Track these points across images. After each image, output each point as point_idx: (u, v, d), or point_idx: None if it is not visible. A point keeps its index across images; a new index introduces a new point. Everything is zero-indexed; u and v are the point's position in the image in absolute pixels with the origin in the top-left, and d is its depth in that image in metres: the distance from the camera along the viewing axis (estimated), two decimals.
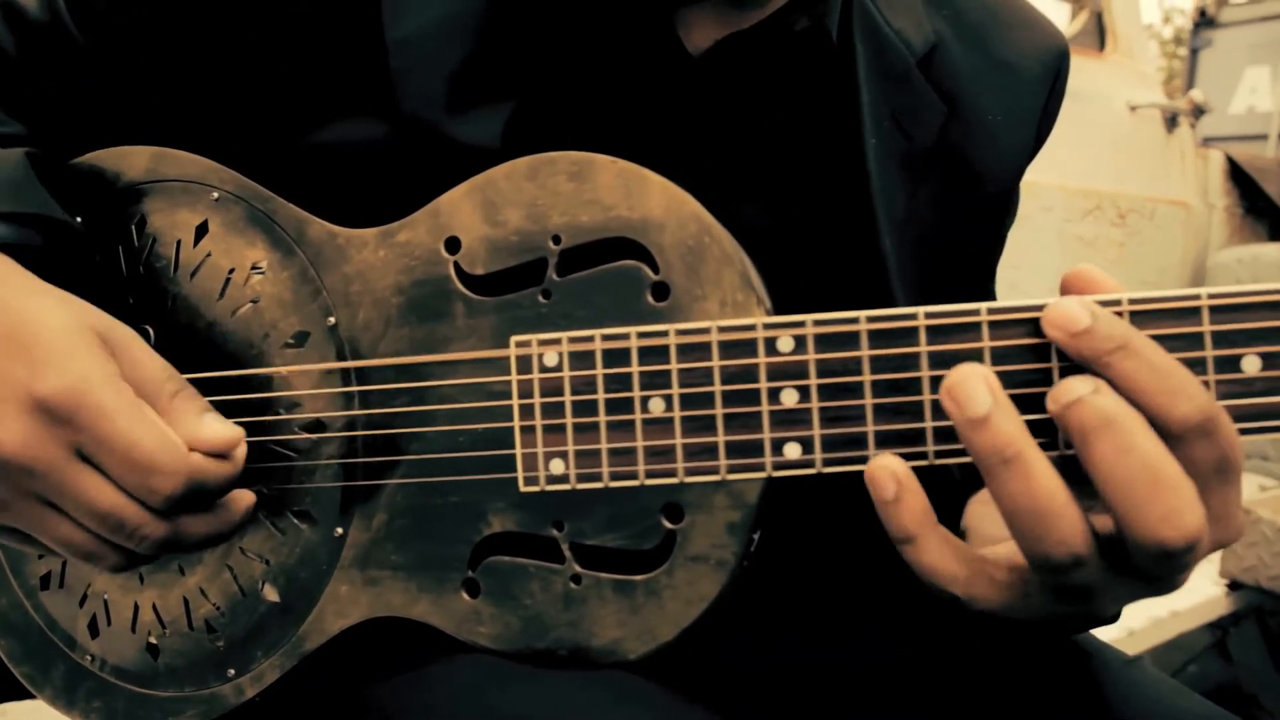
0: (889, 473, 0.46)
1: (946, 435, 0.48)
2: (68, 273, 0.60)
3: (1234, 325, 0.45)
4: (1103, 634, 0.68)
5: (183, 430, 0.56)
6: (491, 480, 0.56)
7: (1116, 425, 0.43)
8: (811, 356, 0.50)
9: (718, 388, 0.51)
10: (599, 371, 0.53)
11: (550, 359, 0.54)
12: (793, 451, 0.50)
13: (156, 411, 0.57)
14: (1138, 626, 2.02)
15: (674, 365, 0.52)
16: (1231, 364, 0.45)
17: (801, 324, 0.50)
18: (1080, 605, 0.48)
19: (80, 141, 0.67)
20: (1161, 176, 3.24)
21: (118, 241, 0.65)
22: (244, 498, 0.59)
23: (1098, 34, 3.16)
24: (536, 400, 0.54)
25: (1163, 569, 0.45)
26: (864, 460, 0.49)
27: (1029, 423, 0.45)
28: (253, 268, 0.62)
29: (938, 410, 0.48)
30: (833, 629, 0.71)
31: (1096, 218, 2.97)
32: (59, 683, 0.68)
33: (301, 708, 0.63)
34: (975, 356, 0.47)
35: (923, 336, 0.48)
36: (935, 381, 0.48)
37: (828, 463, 0.50)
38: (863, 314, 0.49)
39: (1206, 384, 0.45)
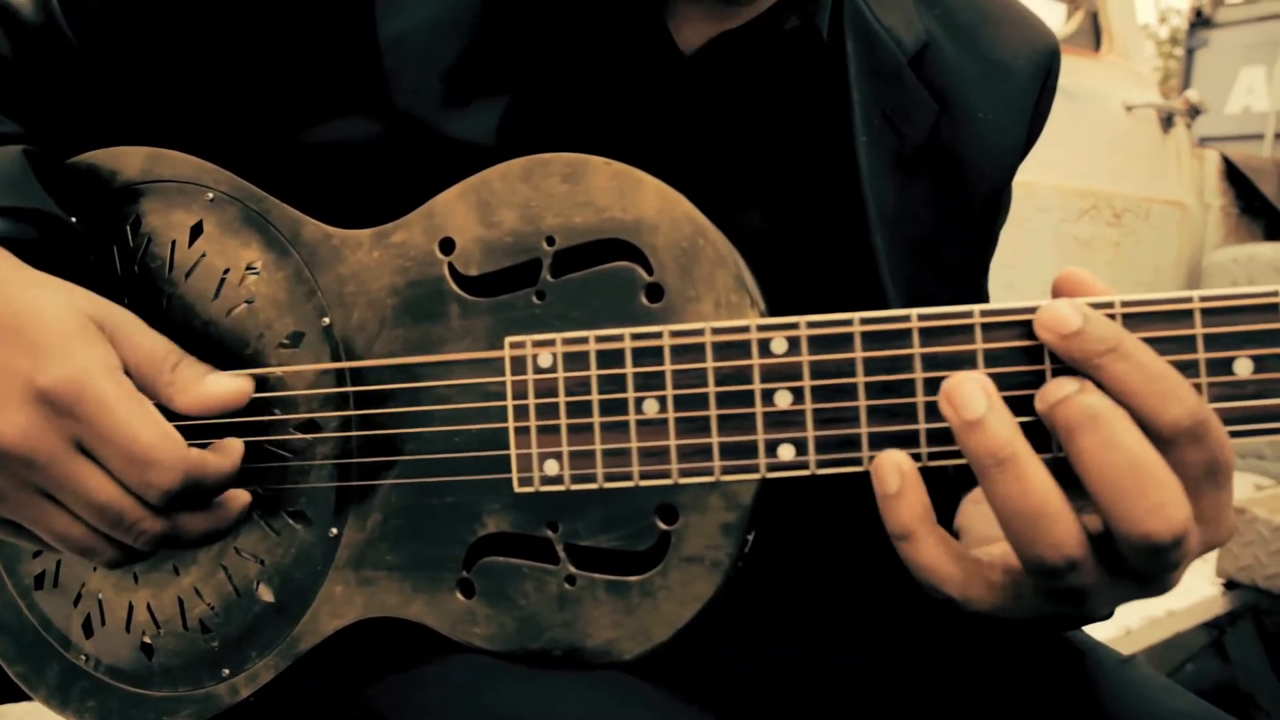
0: (894, 466, 0.47)
1: (940, 437, 0.48)
2: (63, 268, 0.60)
3: (1226, 328, 0.45)
4: (1099, 634, 0.69)
5: (191, 393, 0.57)
6: (486, 481, 0.56)
7: (1101, 421, 0.43)
8: (805, 358, 0.50)
9: (712, 389, 0.51)
10: (593, 372, 0.53)
11: (545, 360, 0.54)
12: (786, 453, 0.50)
13: (162, 383, 0.57)
14: (1135, 626, 2.03)
15: (668, 366, 0.52)
16: (1223, 366, 0.46)
17: (795, 325, 0.50)
18: (1073, 607, 0.48)
19: (76, 142, 0.67)
20: (1157, 176, 3.25)
21: (112, 242, 0.65)
22: (240, 496, 0.59)
23: (1093, 34, 3.16)
24: (531, 401, 0.54)
25: (1152, 566, 0.45)
26: (858, 462, 0.50)
27: (1023, 425, 0.45)
28: (247, 268, 0.62)
29: (931, 412, 0.48)
30: (827, 629, 0.71)
31: (1092, 218, 2.97)
32: (53, 682, 0.68)
33: (296, 708, 0.63)
34: (968, 358, 0.48)
35: (916, 338, 0.48)
36: (929, 383, 0.48)
37: (821, 464, 0.50)
38: (856, 316, 0.49)
39: (1198, 386, 0.45)
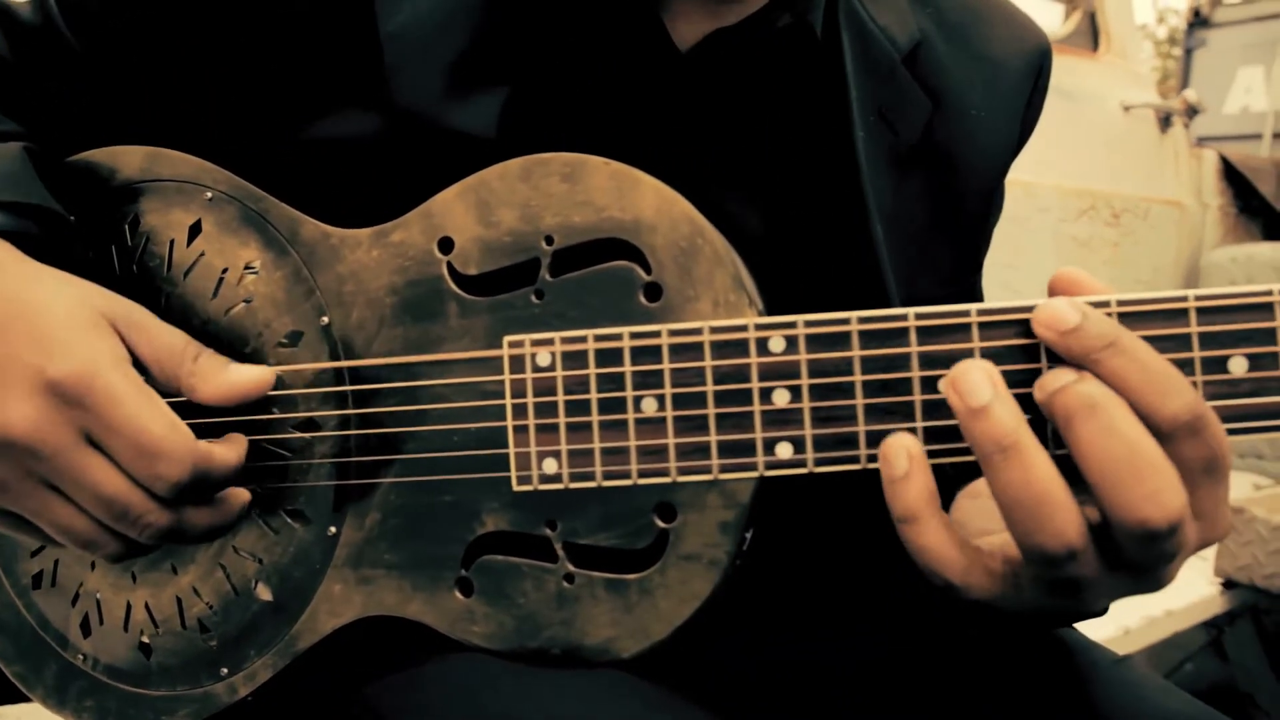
0: (903, 449, 0.47)
1: (937, 435, 0.49)
2: (63, 265, 0.60)
3: (1221, 326, 0.46)
4: (1097, 633, 0.69)
5: (214, 382, 0.57)
6: (485, 479, 0.57)
7: (1099, 408, 0.44)
8: (803, 356, 0.50)
9: (710, 387, 0.51)
10: (592, 371, 0.53)
11: (543, 359, 0.54)
12: (784, 451, 0.51)
13: (184, 374, 0.58)
14: (1133, 625, 2.03)
15: (666, 365, 0.52)
16: (1219, 365, 0.46)
17: (793, 324, 0.50)
18: (1071, 599, 0.48)
19: (74, 142, 0.67)
20: (1156, 176, 3.25)
21: (111, 240, 0.65)
22: (241, 493, 0.60)
23: (1091, 34, 3.17)
24: (530, 400, 0.54)
25: (1149, 555, 0.45)
26: (855, 460, 0.50)
27: None
28: (246, 267, 0.63)
29: (928, 410, 0.49)
30: (825, 628, 0.71)
31: (1091, 218, 2.98)
32: (51, 682, 0.68)
33: (295, 707, 0.63)
34: (965, 357, 0.48)
35: (913, 337, 0.49)
36: (926, 382, 0.49)
37: (819, 462, 0.50)
38: (854, 315, 0.49)
39: (1194, 384, 0.46)
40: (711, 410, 0.51)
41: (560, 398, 0.54)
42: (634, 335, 0.52)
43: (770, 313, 0.54)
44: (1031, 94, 0.76)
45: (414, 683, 0.56)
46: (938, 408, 0.48)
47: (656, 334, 0.52)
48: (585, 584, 0.55)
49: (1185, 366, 0.45)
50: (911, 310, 0.49)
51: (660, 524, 0.54)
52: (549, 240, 0.56)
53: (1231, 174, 3.63)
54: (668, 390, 0.52)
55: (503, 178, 0.56)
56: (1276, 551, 2.16)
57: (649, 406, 0.52)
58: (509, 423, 0.55)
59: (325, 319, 0.61)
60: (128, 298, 0.60)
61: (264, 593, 0.62)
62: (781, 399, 0.50)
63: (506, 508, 0.56)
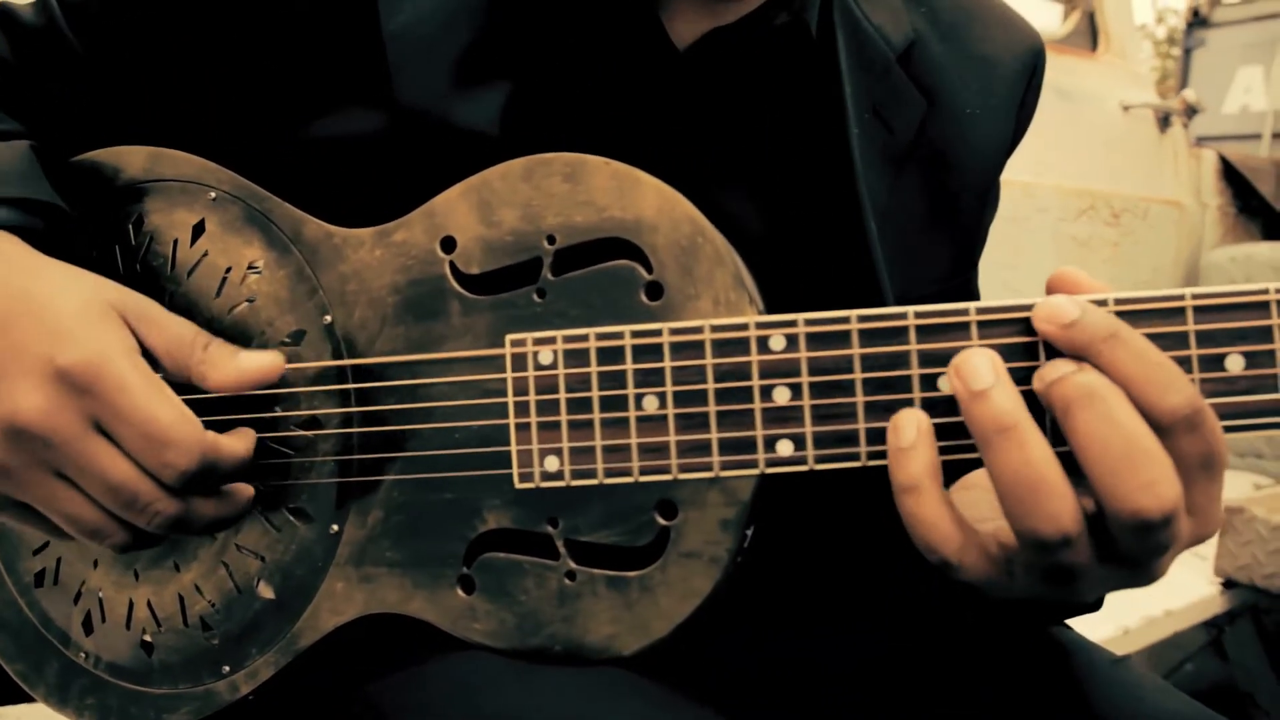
0: (914, 420, 0.48)
1: (937, 432, 0.49)
2: (69, 260, 0.60)
3: (1217, 324, 0.46)
4: (1096, 633, 0.69)
5: (225, 369, 0.58)
6: (487, 477, 0.57)
7: (1097, 397, 0.44)
8: (803, 354, 0.50)
9: (711, 385, 0.52)
10: (593, 369, 0.53)
11: (545, 357, 0.54)
12: (785, 448, 0.51)
13: (195, 362, 0.58)
14: (1133, 626, 2.03)
15: (667, 363, 0.52)
16: (1215, 363, 0.46)
17: (793, 323, 0.50)
18: (1062, 588, 0.48)
19: (78, 143, 0.67)
20: (1155, 176, 3.25)
21: (115, 240, 0.66)
22: (247, 488, 0.60)
23: (1090, 34, 3.17)
24: (531, 398, 0.55)
25: (1142, 546, 0.45)
26: (855, 457, 0.50)
27: None
28: (249, 267, 0.63)
29: (928, 407, 0.49)
30: (825, 625, 0.71)
31: (1090, 218, 2.98)
32: (52, 680, 0.68)
33: (296, 705, 0.63)
34: None
35: (913, 335, 0.49)
36: (925, 379, 0.49)
37: (820, 459, 0.51)
38: (853, 313, 0.50)
39: (1192, 382, 0.46)
40: (712, 408, 0.52)
41: (562, 395, 0.54)
42: (635, 334, 0.53)
43: (768, 303, 0.54)
44: (1025, 93, 0.76)
45: (415, 681, 0.57)
46: (937, 404, 0.49)
47: (658, 332, 0.52)
48: (586, 581, 0.55)
49: (1182, 364, 0.46)
50: (911, 309, 0.49)
51: (661, 521, 0.54)
52: (551, 239, 0.56)
53: (1231, 174, 3.63)
54: (669, 388, 0.52)
55: (505, 178, 0.57)
56: (1276, 551, 2.16)
57: (650, 404, 0.53)
58: (511, 420, 0.55)
59: (328, 318, 0.61)
60: None
61: (266, 590, 0.63)
62: (782, 396, 0.51)
63: (508, 505, 0.57)
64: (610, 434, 0.53)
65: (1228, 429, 0.46)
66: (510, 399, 0.55)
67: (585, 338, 0.54)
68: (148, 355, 0.58)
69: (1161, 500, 0.43)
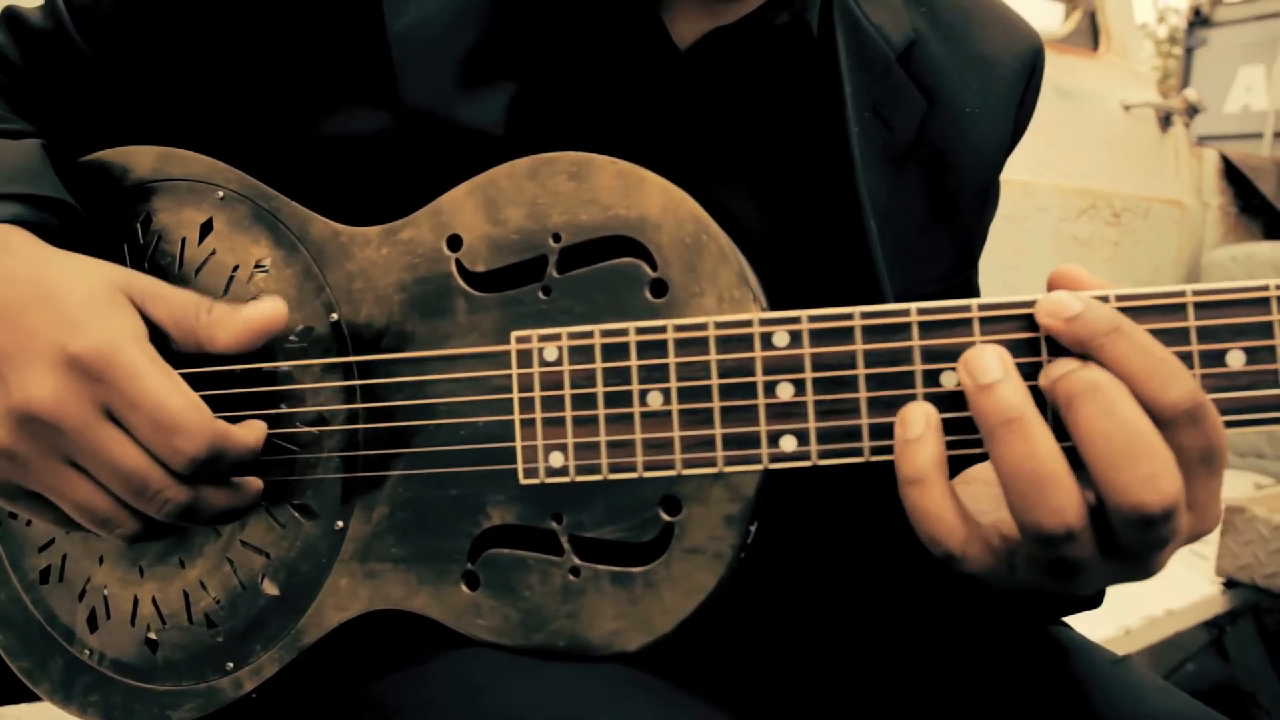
0: (922, 413, 0.48)
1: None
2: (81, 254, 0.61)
3: (1218, 320, 0.46)
4: (1096, 632, 0.69)
5: (231, 324, 0.58)
6: (491, 473, 0.57)
7: (1101, 391, 0.44)
8: (807, 351, 0.51)
9: (715, 381, 0.52)
10: (598, 366, 0.54)
11: (550, 353, 0.55)
12: (789, 444, 0.51)
13: (201, 325, 0.58)
14: (1134, 625, 2.02)
15: (672, 359, 0.53)
16: (1216, 359, 0.46)
17: (797, 320, 0.51)
18: (1062, 581, 0.48)
19: (86, 145, 0.67)
20: (1156, 175, 3.25)
21: (123, 239, 0.66)
22: (256, 480, 0.60)
23: (1091, 33, 3.17)
24: (537, 394, 0.55)
25: (1142, 540, 0.46)
26: (859, 453, 0.50)
27: None
28: (256, 265, 0.63)
29: (930, 402, 0.49)
30: (828, 622, 0.72)
31: (1091, 217, 2.98)
32: (57, 677, 0.68)
33: (300, 702, 0.63)
34: (967, 350, 0.48)
35: (915, 332, 0.49)
36: (928, 375, 0.49)
37: (823, 455, 0.51)
38: (856, 309, 0.50)
39: (1193, 377, 0.46)
40: (716, 404, 0.52)
41: (567, 391, 0.54)
42: (640, 330, 0.53)
43: (770, 301, 0.54)
44: (1024, 93, 0.76)
45: (418, 679, 0.57)
46: (940, 400, 0.49)
47: (662, 329, 0.53)
48: (591, 577, 0.56)
49: (1184, 360, 0.46)
50: (914, 305, 0.49)
51: (665, 517, 0.54)
52: (556, 237, 0.56)
53: (1232, 173, 3.63)
54: (673, 384, 0.53)
55: (511, 176, 0.57)
56: (1277, 551, 2.16)
57: (654, 400, 0.53)
58: (516, 416, 0.55)
59: (334, 315, 0.61)
60: None
61: (270, 587, 0.63)
62: (785, 393, 0.51)
63: (512, 501, 0.57)
64: (614, 430, 0.54)
65: (1229, 424, 0.46)
66: (515, 395, 0.56)
67: (590, 334, 0.54)
68: (157, 332, 0.58)
69: (1162, 494, 0.44)
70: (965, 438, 0.49)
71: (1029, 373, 0.48)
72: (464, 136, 0.61)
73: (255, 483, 0.60)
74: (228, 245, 0.64)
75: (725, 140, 0.68)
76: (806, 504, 0.66)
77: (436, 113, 0.62)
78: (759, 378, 0.51)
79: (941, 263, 0.74)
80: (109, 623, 0.67)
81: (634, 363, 0.53)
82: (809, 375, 0.51)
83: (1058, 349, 0.47)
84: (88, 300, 0.56)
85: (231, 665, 0.63)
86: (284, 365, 0.62)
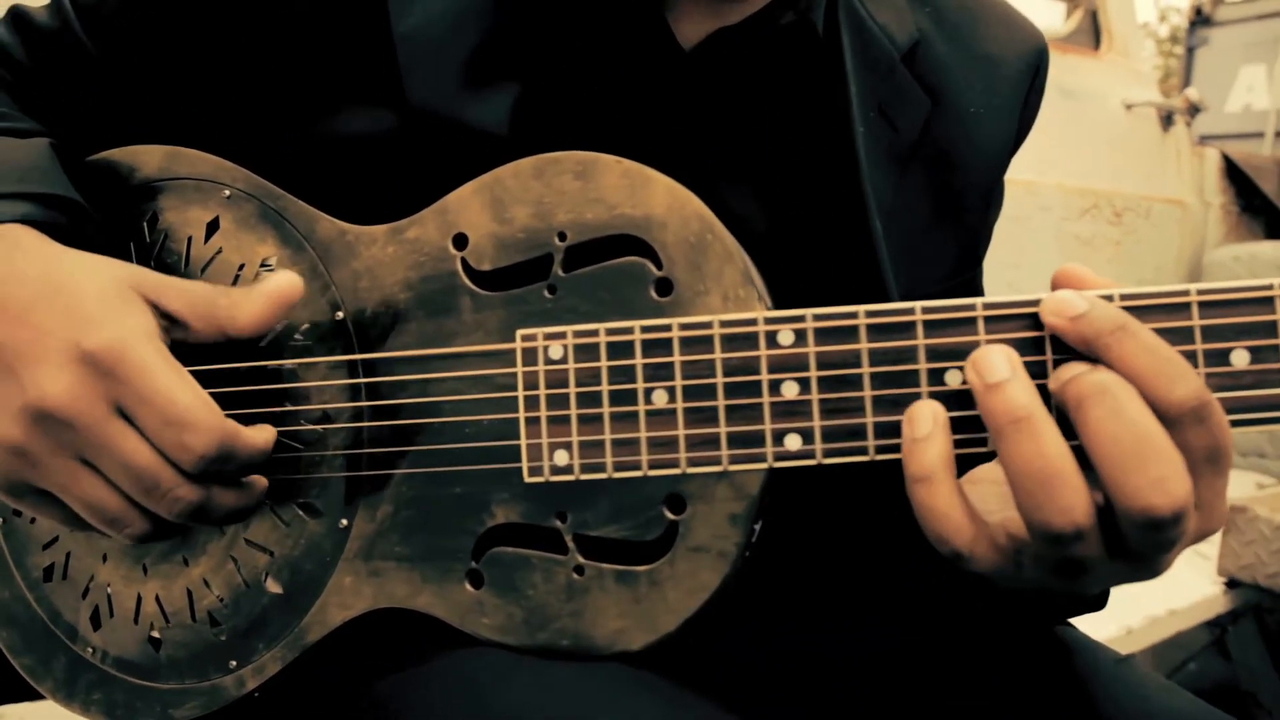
0: (929, 411, 0.48)
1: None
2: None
3: (1223, 320, 0.46)
4: (1099, 632, 0.69)
5: (250, 304, 0.58)
6: (496, 471, 0.57)
7: (1110, 393, 0.44)
8: (811, 349, 0.51)
9: (719, 380, 0.52)
10: (603, 364, 0.54)
11: (555, 352, 0.55)
12: (793, 443, 0.51)
13: (221, 308, 0.58)
14: (1136, 625, 2.03)
15: (677, 358, 0.53)
16: (1221, 358, 0.46)
17: (801, 318, 0.51)
18: (1069, 581, 0.48)
19: (91, 144, 0.68)
20: (1158, 175, 3.25)
21: (130, 237, 0.66)
22: (263, 479, 0.60)
23: (1093, 33, 3.17)
24: (542, 392, 0.55)
25: (1151, 542, 0.46)
26: (863, 451, 0.50)
27: None
28: (262, 264, 0.63)
29: (937, 402, 0.49)
30: (832, 620, 0.72)
31: (1093, 216, 2.98)
32: (60, 675, 0.68)
33: (303, 701, 0.63)
34: (971, 350, 0.48)
35: (920, 330, 0.49)
36: (933, 374, 0.49)
37: (828, 453, 0.51)
38: (861, 309, 0.50)
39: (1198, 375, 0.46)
40: (721, 402, 0.52)
41: (572, 390, 0.54)
42: (645, 329, 0.53)
43: (775, 301, 0.54)
44: (1029, 93, 0.77)
45: (421, 678, 0.57)
46: (945, 399, 0.49)
47: (667, 328, 0.53)
48: (595, 576, 0.56)
49: (1188, 359, 0.46)
50: (918, 304, 0.49)
51: (670, 516, 0.54)
52: (562, 236, 0.56)
53: (1234, 172, 3.63)
54: (678, 383, 0.53)
55: (516, 175, 0.57)
56: (1279, 550, 2.16)
57: (659, 399, 0.53)
58: (520, 414, 0.56)
59: (340, 313, 0.61)
60: None
61: (274, 585, 0.63)
62: (790, 391, 0.51)
63: (517, 499, 0.57)
64: (619, 428, 0.54)
65: (1233, 423, 0.46)
66: (520, 393, 0.56)
67: (595, 333, 0.54)
68: (177, 324, 0.58)
69: (1172, 497, 0.44)
70: (971, 436, 0.49)
71: (1034, 372, 0.48)
72: (469, 136, 0.62)
73: (261, 481, 0.60)
74: (234, 244, 0.64)
75: (730, 140, 0.68)
76: (811, 502, 0.66)
77: (442, 113, 0.62)
78: (764, 376, 0.51)
79: (946, 262, 0.74)
80: (112, 621, 0.67)
81: (639, 361, 0.53)
82: (814, 374, 0.51)
83: (1062, 348, 0.47)
84: (99, 297, 0.56)
85: (234, 664, 0.64)
86: (289, 363, 0.62)
